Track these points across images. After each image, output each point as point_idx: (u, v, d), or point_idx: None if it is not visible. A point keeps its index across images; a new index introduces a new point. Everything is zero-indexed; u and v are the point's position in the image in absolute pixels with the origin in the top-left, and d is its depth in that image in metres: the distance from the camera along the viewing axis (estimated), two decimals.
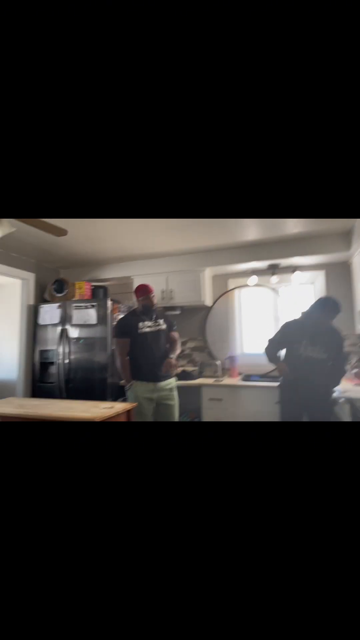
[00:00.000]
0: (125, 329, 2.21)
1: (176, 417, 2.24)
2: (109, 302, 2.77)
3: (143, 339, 2.18)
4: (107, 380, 2.69)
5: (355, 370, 2.53)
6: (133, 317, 2.24)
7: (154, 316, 2.26)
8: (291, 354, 1.99)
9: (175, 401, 2.25)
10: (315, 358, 1.93)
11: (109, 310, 2.75)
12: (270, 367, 2.19)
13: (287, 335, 2.06)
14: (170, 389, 2.22)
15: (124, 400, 2.60)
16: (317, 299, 2.05)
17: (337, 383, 1.99)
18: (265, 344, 2.15)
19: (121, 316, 2.40)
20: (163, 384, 2.17)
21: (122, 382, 2.21)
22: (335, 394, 2.11)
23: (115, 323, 2.34)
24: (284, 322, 2.16)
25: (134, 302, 3.13)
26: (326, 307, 1.95)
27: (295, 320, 2.12)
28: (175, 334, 2.33)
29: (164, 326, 2.27)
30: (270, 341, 2.14)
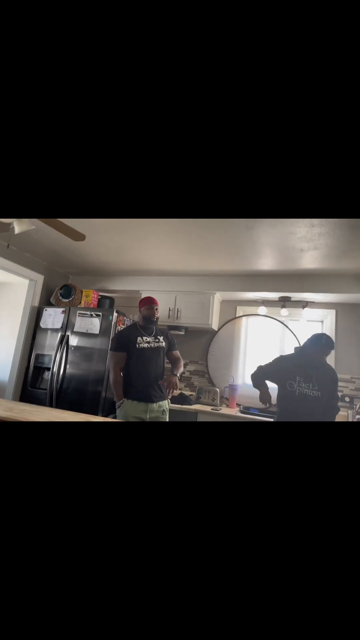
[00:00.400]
0: (123, 341, 2.09)
1: None
2: (115, 314, 2.71)
3: (140, 354, 2.07)
4: (101, 395, 2.58)
5: (358, 417, 2.42)
6: (133, 331, 2.13)
7: (154, 331, 2.16)
8: (285, 389, 1.95)
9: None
10: (309, 395, 1.91)
11: (113, 322, 2.69)
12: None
13: (280, 370, 2.02)
14: (162, 412, 2.10)
15: (115, 418, 2.48)
16: (311, 335, 2.05)
17: (331, 420, 1.95)
18: (255, 369, 2.12)
19: (121, 329, 2.35)
20: (155, 405, 2.05)
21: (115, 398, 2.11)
22: None
23: (117, 334, 2.23)
24: (278, 356, 2.14)
25: (135, 316, 3.10)
26: (319, 343, 1.95)
27: (290, 356, 2.10)
28: (177, 353, 2.24)
29: (163, 344, 2.16)
30: (260, 368, 2.11)
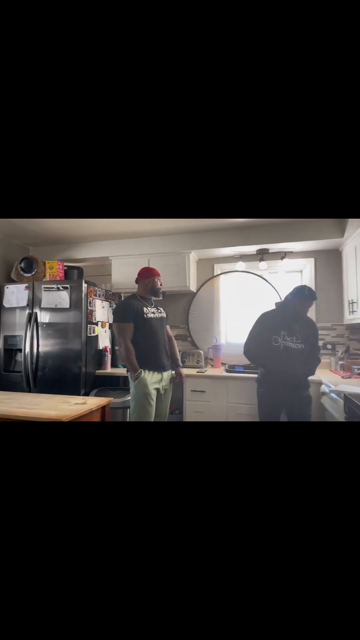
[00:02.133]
0: (130, 312, 1.99)
1: (168, 408, 2.18)
2: (84, 285, 2.51)
3: (149, 325, 2.03)
4: (82, 370, 2.46)
5: (341, 362, 2.46)
6: (136, 302, 2.05)
7: (153, 302, 2.15)
8: (270, 345, 1.95)
9: (171, 392, 2.19)
10: (293, 348, 1.93)
11: (83, 294, 2.49)
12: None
13: (265, 327, 2.01)
14: (171, 379, 2.16)
15: (119, 390, 2.44)
16: (292, 288, 2.03)
17: (313, 372, 2.01)
18: (244, 345, 2.08)
19: (122, 299, 2.18)
20: (166, 374, 2.10)
21: (128, 372, 2.00)
22: (325, 389, 2.03)
23: (116, 306, 2.09)
24: (260, 315, 2.11)
25: (107, 285, 2.91)
26: (302, 294, 1.95)
27: (272, 311, 2.09)
28: (169, 330, 2.27)
29: (164, 314, 2.18)
30: (248, 340, 2.08)
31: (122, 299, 2.17)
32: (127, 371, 2.01)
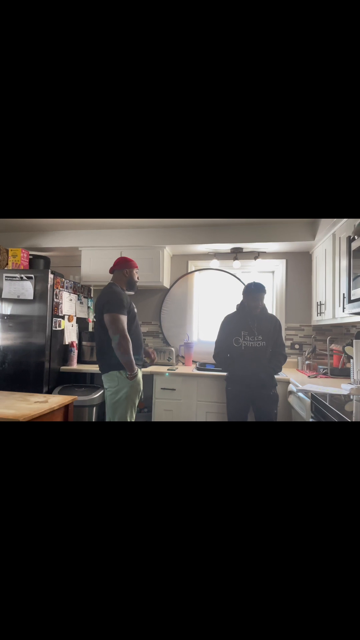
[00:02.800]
0: (126, 304, 1.80)
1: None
2: (51, 275, 2.36)
3: (136, 319, 1.91)
4: (45, 366, 2.32)
5: (308, 362, 2.53)
6: (124, 293, 1.90)
7: None
8: (232, 347, 1.99)
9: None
10: (254, 347, 1.97)
11: (49, 285, 2.34)
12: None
13: (229, 330, 2.04)
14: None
15: (85, 388, 2.30)
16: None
17: (278, 370, 2.05)
18: (214, 351, 2.10)
19: (115, 289, 1.86)
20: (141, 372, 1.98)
21: (127, 372, 1.76)
22: (292, 388, 2.07)
23: (108, 295, 1.80)
24: (223, 319, 2.14)
25: (75, 277, 2.77)
26: (249, 290, 2.00)
27: (233, 313, 2.13)
28: None
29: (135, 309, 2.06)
30: (216, 345, 2.09)
31: (110, 288, 1.84)
32: (100, 370, 1.84)
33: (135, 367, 1.77)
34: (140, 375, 1.85)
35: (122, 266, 1.94)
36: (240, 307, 2.10)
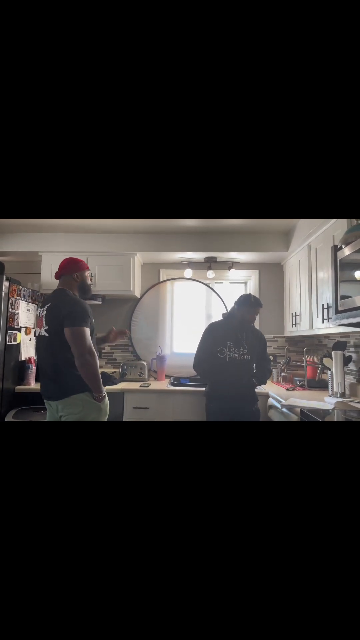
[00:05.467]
0: (89, 314, 1.52)
1: None
2: (6, 282, 2.07)
3: (95, 332, 1.61)
4: None
5: (283, 374, 2.50)
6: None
7: None
8: (216, 357, 1.86)
9: None
10: (239, 360, 1.86)
11: (4, 292, 2.05)
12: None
13: (213, 338, 1.91)
14: None
15: (44, 411, 1.99)
16: (238, 297, 1.98)
17: (261, 383, 1.98)
18: (194, 359, 1.95)
19: (73, 297, 1.56)
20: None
21: (95, 393, 1.50)
22: (273, 402, 1.99)
23: (74, 306, 1.50)
24: (207, 326, 2.01)
25: (34, 285, 2.49)
26: (248, 302, 1.90)
27: (219, 322, 2.01)
28: None
29: None
30: (197, 353, 1.95)
31: (67, 296, 1.55)
32: (52, 396, 1.53)
33: (103, 387, 1.54)
34: (106, 396, 1.59)
35: (71, 269, 1.62)
36: (228, 316, 1.98)
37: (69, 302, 1.51)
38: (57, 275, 1.65)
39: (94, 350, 1.49)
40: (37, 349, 1.65)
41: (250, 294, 1.95)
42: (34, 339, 2.39)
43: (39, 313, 1.59)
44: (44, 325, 1.54)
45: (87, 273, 1.67)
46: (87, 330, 1.49)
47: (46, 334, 1.52)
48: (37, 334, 1.62)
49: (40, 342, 1.59)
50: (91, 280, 1.70)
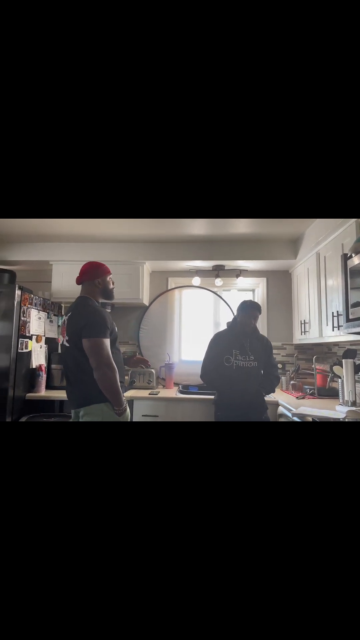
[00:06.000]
0: (110, 326, 1.48)
1: None
2: (18, 291, 2.11)
3: (117, 342, 1.57)
4: (9, 393, 2.02)
5: (293, 382, 2.48)
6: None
7: None
8: (222, 366, 1.86)
9: None
10: (246, 367, 1.86)
11: (16, 301, 2.09)
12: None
13: (219, 348, 1.91)
14: None
15: (55, 418, 1.99)
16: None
17: (270, 391, 1.96)
18: (200, 370, 1.95)
19: (93, 306, 1.52)
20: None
21: (115, 406, 1.45)
22: (283, 411, 1.97)
23: (92, 317, 1.45)
24: (213, 336, 2.02)
25: (45, 293, 2.53)
26: (244, 307, 1.91)
27: (224, 331, 2.02)
28: None
29: None
30: (204, 363, 1.95)
31: (88, 305, 1.50)
32: (74, 403, 1.50)
33: (124, 401, 1.47)
34: (127, 408, 1.54)
35: (93, 275, 1.58)
36: (231, 324, 1.99)
37: (88, 312, 1.47)
38: (79, 281, 1.62)
39: (112, 362, 1.43)
40: (62, 358, 1.68)
41: (247, 300, 1.95)
42: (44, 347, 2.42)
43: (64, 321, 1.57)
44: (66, 335, 1.51)
45: (109, 277, 1.63)
46: (106, 342, 1.44)
47: (67, 344, 1.49)
48: (62, 342, 1.60)
49: (65, 351, 1.54)
50: (113, 284, 1.66)
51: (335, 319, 1.77)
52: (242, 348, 1.87)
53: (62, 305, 2.69)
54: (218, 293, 2.81)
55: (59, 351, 2.54)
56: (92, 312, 1.48)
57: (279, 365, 2.67)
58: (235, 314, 1.98)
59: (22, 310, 2.14)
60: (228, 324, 2.05)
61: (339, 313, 1.73)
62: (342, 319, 1.68)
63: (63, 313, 2.69)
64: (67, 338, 1.50)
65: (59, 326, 2.64)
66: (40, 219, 2.17)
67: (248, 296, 2.86)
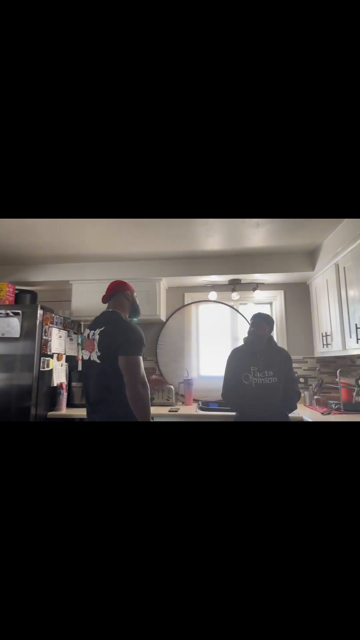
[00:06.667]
0: (144, 344, 1.46)
1: None
2: (40, 311, 2.17)
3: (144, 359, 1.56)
4: (31, 412, 2.04)
5: (316, 397, 2.39)
6: None
7: None
8: (241, 384, 1.80)
9: None
10: (266, 384, 1.77)
11: (38, 321, 2.15)
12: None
13: (237, 364, 1.86)
14: None
15: None
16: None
17: (293, 408, 1.85)
18: (222, 389, 1.91)
19: (128, 321, 1.49)
20: None
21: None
22: None
23: (131, 333, 1.41)
24: (230, 352, 1.96)
25: (65, 312, 2.59)
26: (256, 320, 1.86)
27: (240, 347, 1.96)
28: None
29: None
30: (225, 383, 1.90)
31: (121, 320, 1.48)
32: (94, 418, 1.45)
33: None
34: None
35: (121, 289, 1.58)
36: (247, 340, 1.96)
37: (125, 328, 1.42)
38: (106, 298, 1.59)
39: (146, 381, 1.39)
40: (85, 375, 1.49)
41: (256, 313, 1.92)
42: (65, 365, 2.45)
43: (88, 335, 1.49)
44: (96, 350, 1.42)
45: (135, 294, 1.66)
46: (142, 360, 1.40)
47: (98, 360, 1.40)
48: (84, 358, 1.50)
49: (89, 367, 1.45)
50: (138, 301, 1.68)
51: (359, 330, 1.72)
52: (260, 364, 1.81)
53: (82, 322, 2.75)
54: (235, 307, 2.79)
55: (79, 368, 2.58)
56: (130, 329, 1.41)
57: (301, 380, 2.60)
58: (250, 327, 1.93)
59: (43, 329, 2.19)
60: (245, 339, 2.02)
61: None
62: None
63: (82, 331, 2.73)
64: (99, 354, 1.41)
65: (78, 344, 2.69)
66: (58, 241, 2.25)
67: (265, 309, 2.83)
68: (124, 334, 1.39)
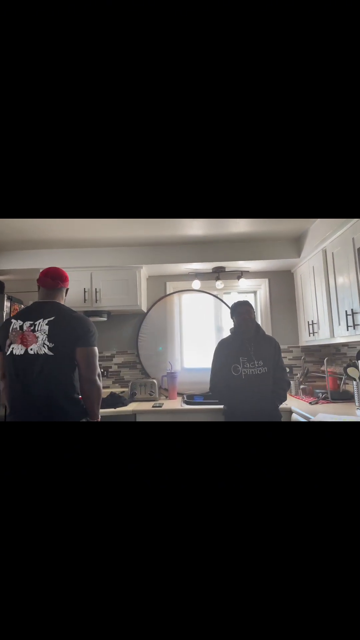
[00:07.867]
0: None
1: None
2: (7, 302, 1.96)
3: None
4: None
5: (302, 387, 2.36)
6: None
7: None
8: (231, 375, 1.73)
9: None
10: (256, 374, 1.72)
11: (5, 312, 1.93)
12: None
13: (225, 356, 1.79)
14: None
15: None
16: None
17: (284, 398, 1.80)
18: (209, 382, 1.84)
19: (78, 313, 1.43)
20: None
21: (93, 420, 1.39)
22: (299, 418, 1.84)
23: (88, 324, 1.38)
24: (217, 343, 1.90)
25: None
26: (235, 308, 1.84)
27: (227, 338, 1.91)
28: None
29: None
30: (212, 375, 1.83)
31: (77, 313, 1.42)
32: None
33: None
34: None
35: (66, 284, 1.50)
36: (234, 330, 1.88)
37: (81, 319, 1.37)
38: (53, 285, 1.44)
39: (99, 374, 1.39)
40: (22, 370, 1.30)
41: (235, 302, 1.88)
42: None
43: (21, 327, 1.34)
44: (46, 342, 1.30)
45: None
46: (96, 350, 1.39)
47: (50, 353, 1.29)
48: (17, 352, 1.31)
49: (29, 362, 1.29)
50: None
51: (350, 317, 1.66)
52: (249, 354, 1.74)
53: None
54: (219, 296, 2.69)
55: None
56: (85, 319, 1.40)
57: (287, 369, 2.56)
58: (232, 317, 1.87)
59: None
60: (231, 330, 1.94)
61: (354, 311, 1.62)
62: (358, 318, 1.57)
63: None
64: (50, 346, 1.29)
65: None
66: (28, 224, 2.03)
67: (249, 298, 2.76)
68: (83, 325, 1.36)
